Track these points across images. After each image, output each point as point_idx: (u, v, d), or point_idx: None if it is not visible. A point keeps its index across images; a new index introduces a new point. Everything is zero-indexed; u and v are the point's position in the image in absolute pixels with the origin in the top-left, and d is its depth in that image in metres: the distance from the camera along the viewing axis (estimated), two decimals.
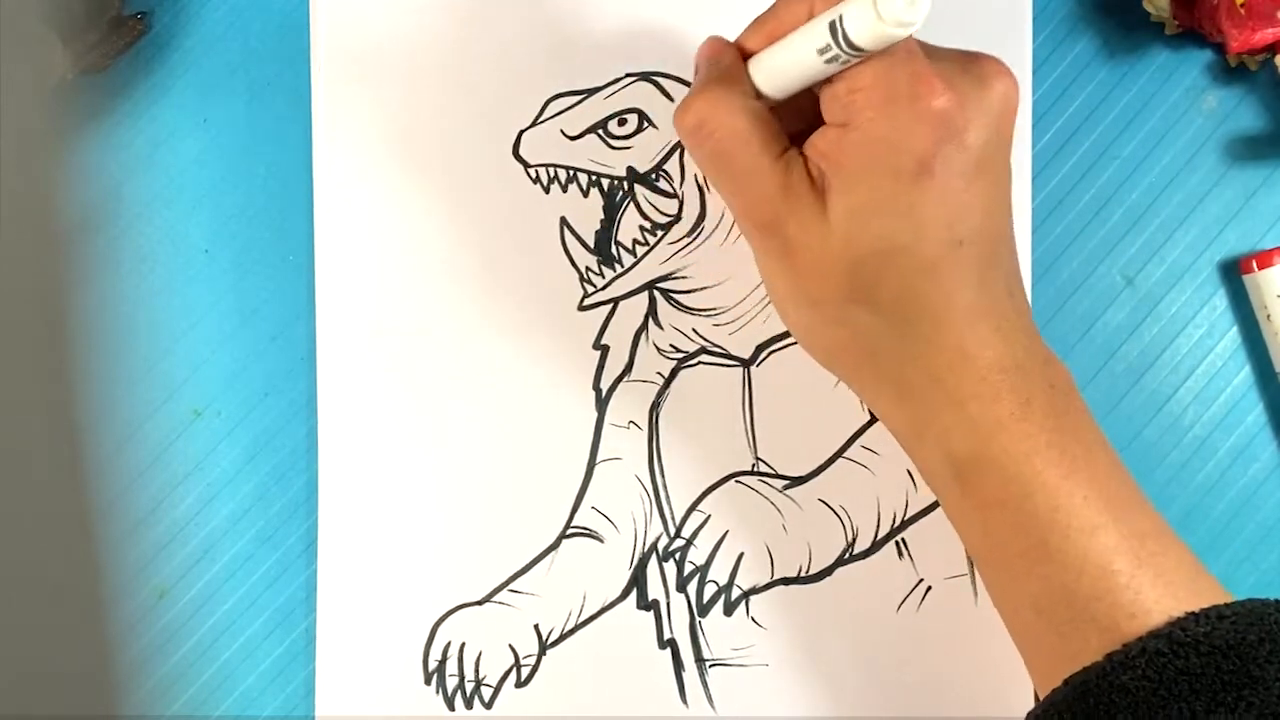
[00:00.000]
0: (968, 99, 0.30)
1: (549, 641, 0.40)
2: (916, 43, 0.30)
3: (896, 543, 0.40)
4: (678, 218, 0.41)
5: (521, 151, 0.41)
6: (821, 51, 0.29)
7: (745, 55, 0.33)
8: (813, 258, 0.31)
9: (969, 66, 0.31)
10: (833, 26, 0.29)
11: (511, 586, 0.40)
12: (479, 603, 0.40)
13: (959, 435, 0.31)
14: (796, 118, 0.33)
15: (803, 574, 0.40)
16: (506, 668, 0.40)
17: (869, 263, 0.30)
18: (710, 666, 0.40)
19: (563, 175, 0.41)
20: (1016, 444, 0.31)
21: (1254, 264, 0.40)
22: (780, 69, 0.32)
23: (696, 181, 0.41)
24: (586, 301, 0.41)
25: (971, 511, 0.32)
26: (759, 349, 0.41)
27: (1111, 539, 0.30)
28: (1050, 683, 0.31)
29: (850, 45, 0.29)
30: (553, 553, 0.41)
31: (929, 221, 0.30)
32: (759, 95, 0.33)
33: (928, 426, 0.32)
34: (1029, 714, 0.31)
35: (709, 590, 0.41)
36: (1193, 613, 0.29)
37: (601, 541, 0.41)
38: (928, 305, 0.31)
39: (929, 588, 0.40)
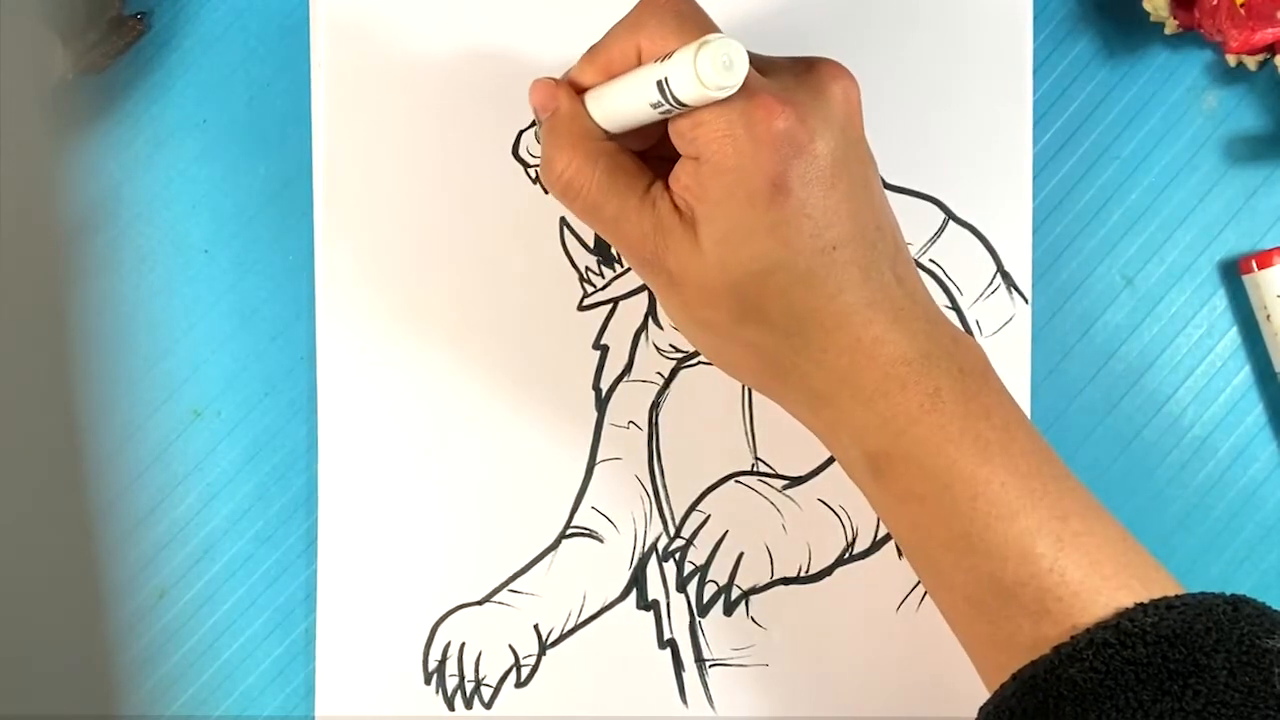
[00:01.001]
0: (807, 110, 0.30)
1: (549, 641, 0.40)
2: (750, 68, 0.30)
3: (896, 543, 0.40)
4: None
5: (521, 151, 0.41)
6: (655, 105, 0.31)
7: (580, 89, 0.34)
8: (696, 286, 0.32)
9: (804, 77, 0.32)
10: (660, 86, 0.30)
11: (511, 586, 0.40)
12: (479, 603, 0.40)
13: (871, 433, 0.31)
14: (648, 136, 0.34)
15: (803, 574, 0.40)
16: (506, 668, 0.40)
17: (748, 284, 0.31)
18: (710, 666, 0.40)
19: None
20: (929, 436, 0.31)
21: (1254, 264, 0.40)
22: (619, 112, 0.33)
23: None
24: (586, 301, 0.41)
25: (894, 506, 0.32)
26: None
27: (1032, 522, 0.30)
28: (990, 671, 0.31)
29: (679, 103, 0.30)
30: (552, 553, 0.41)
31: (795, 236, 0.30)
32: (606, 133, 0.33)
33: (842, 427, 0.32)
34: (980, 710, 0.31)
35: (709, 590, 0.41)
36: (1141, 603, 0.29)
37: (601, 541, 0.41)
38: (815, 314, 0.31)
39: None
